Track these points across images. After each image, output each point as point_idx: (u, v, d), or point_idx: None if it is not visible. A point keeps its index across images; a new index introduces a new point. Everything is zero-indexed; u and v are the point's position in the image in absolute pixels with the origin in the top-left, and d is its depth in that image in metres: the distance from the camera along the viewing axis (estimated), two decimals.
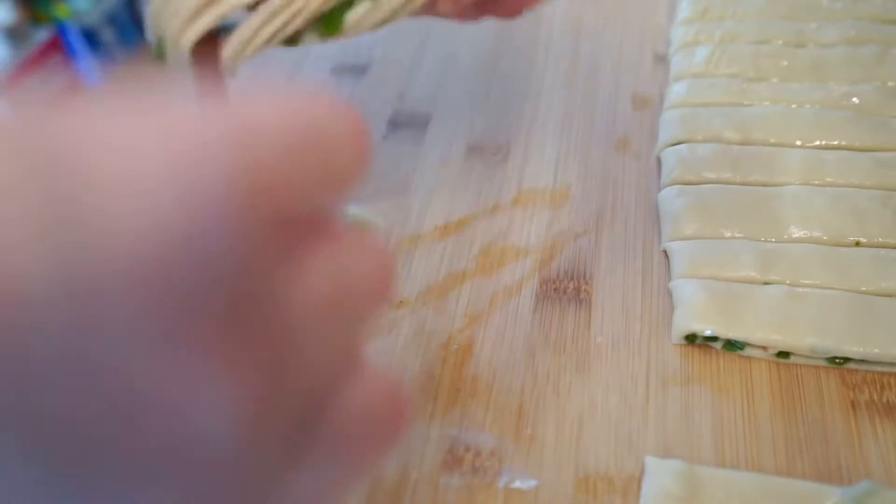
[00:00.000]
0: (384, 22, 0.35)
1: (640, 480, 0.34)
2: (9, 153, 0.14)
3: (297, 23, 0.33)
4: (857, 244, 0.42)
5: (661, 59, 0.59)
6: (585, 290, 0.43)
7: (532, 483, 0.34)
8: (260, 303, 0.15)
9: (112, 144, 0.14)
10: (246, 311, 0.15)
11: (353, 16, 0.34)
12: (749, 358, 0.38)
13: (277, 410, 0.16)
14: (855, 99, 0.50)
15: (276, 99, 0.17)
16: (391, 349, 0.40)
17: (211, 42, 0.33)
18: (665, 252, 0.44)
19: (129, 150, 0.14)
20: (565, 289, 0.43)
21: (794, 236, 0.42)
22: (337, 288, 0.17)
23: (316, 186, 0.17)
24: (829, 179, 0.45)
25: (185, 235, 0.14)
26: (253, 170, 0.15)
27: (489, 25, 0.64)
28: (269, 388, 0.15)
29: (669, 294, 0.41)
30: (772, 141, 0.48)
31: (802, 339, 0.37)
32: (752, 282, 0.40)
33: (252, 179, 0.15)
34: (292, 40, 0.34)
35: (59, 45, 2.20)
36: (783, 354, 0.38)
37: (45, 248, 0.14)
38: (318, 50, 0.63)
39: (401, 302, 0.42)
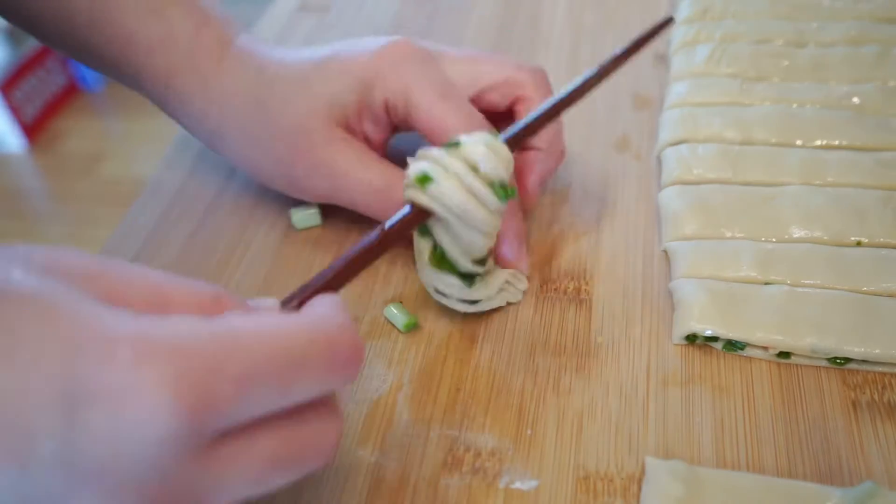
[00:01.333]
0: None
1: (640, 480, 0.34)
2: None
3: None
4: (858, 244, 0.42)
5: (661, 59, 0.59)
6: (585, 290, 0.42)
7: (532, 483, 0.34)
8: None
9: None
10: None
11: None
12: (749, 358, 0.38)
13: None
14: (856, 99, 0.50)
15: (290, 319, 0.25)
16: (391, 349, 0.40)
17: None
18: (665, 252, 0.44)
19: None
20: (565, 289, 0.43)
21: (794, 236, 0.42)
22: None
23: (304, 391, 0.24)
24: (829, 179, 0.45)
25: None
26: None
27: (489, 24, 0.64)
28: None
29: (670, 294, 0.41)
30: (772, 141, 0.48)
31: (803, 339, 0.37)
32: (752, 282, 0.40)
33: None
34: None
35: None
36: (784, 355, 0.38)
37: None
38: None
39: (401, 301, 0.42)
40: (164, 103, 0.46)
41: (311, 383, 0.24)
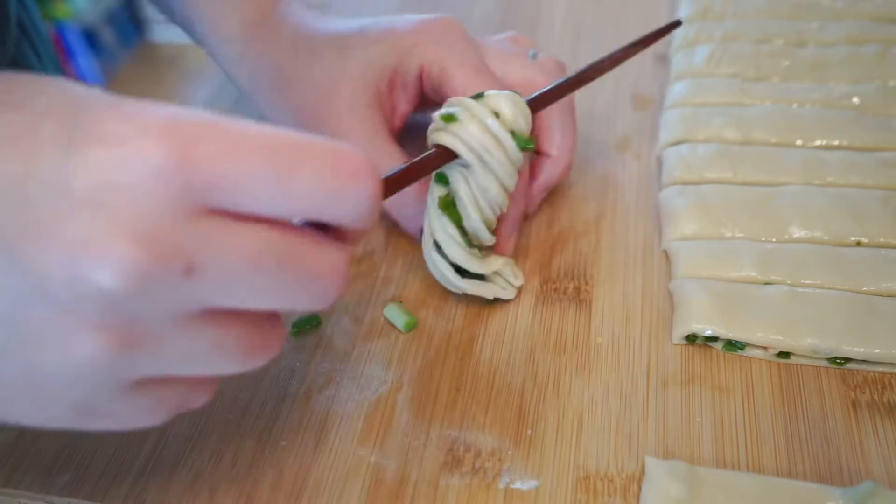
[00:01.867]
0: None
1: (640, 480, 0.34)
2: None
3: None
4: (858, 244, 0.42)
5: (662, 59, 0.59)
6: (585, 290, 0.42)
7: (532, 483, 0.34)
8: None
9: None
10: None
11: None
12: (749, 358, 0.38)
13: None
14: (856, 98, 0.50)
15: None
16: (391, 349, 0.40)
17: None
18: (665, 252, 0.44)
19: None
20: (565, 289, 0.43)
21: (794, 236, 0.42)
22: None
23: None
24: (829, 179, 0.45)
25: None
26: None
27: (489, 24, 0.64)
28: None
29: (670, 294, 0.41)
30: (772, 141, 0.48)
31: (803, 339, 0.37)
32: (752, 282, 0.40)
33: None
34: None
35: (59, 45, 2.20)
36: (784, 354, 0.38)
37: None
38: None
39: (401, 301, 0.42)
40: (192, 28, 0.48)
41: (312, 184, 0.23)
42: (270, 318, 0.27)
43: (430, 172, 0.36)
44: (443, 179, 0.38)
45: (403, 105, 0.45)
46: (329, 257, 0.25)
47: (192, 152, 0.22)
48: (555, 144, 0.45)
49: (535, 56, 0.48)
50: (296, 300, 0.25)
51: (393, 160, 0.42)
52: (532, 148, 0.38)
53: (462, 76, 0.41)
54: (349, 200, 0.24)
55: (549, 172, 0.45)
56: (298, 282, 0.25)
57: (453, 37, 0.42)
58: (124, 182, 0.22)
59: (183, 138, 0.22)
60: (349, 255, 0.26)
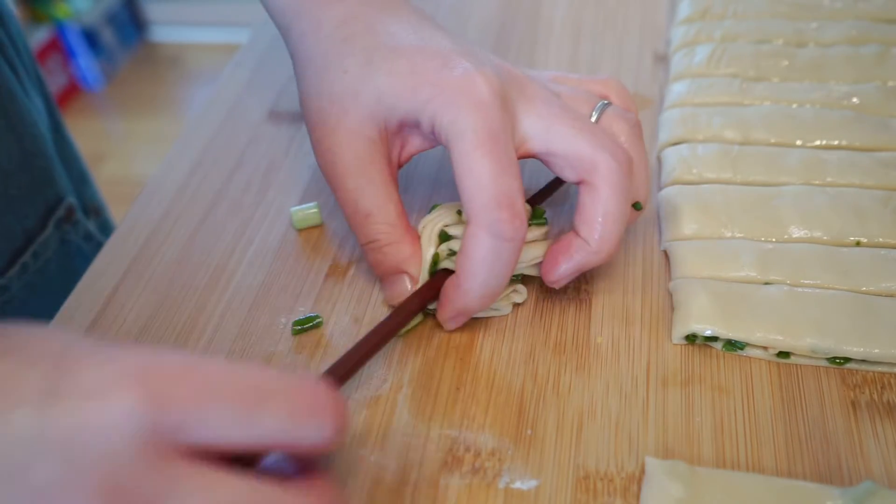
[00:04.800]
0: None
1: (640, 480, 0.34)
2: None
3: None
4: (858, 244, 0.42)
5: (661, 59, 0.59)
6: (585, 290, 0.42)
7: (532, 483, 0.34)
8: None
9: None
10: None
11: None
12: (749, 358, 0.38)
13: None
14: (855, 99, 0.50)
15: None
16: (391, 349, 0.40)
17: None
18: (665, 252, 0.44)
19: None
20: (565, 289, 0.43)
21: (794, 236, 0.42)
22: None
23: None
24: (829, 179, 0.45)
25: None
26: None
27: (490, 24, 0.64)
28: None
29: (669, 294, 0.41)
30: (772, 141, 0.48)
31: (803, 339, 0.37)
32: (752, 282, 0.40)
33: None
34: None
35: (59, 45, 2.20)
36: (783, 354, 0.38)
37: None
38: None
39: None
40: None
41: (274, 423, 0.25)
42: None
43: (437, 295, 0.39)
44: (444, 237, 0.40)
45: (416, 142, 0.41)
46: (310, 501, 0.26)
47: (164, 397, 0.24)
48: (596, 232, 0.37)
49: (603, 108, 0.40)
50: None
51: (378, 199, 0.39)
52: (543, 222, 0.40)
53: (462, 154, 0.35)
54: (310, 434, 0.26)
55: (582, 258, 0.38)
56: None
57: (472, 106, 0.36)
58: (96, 427, 0.23)
59: (156, 384, 0.24)
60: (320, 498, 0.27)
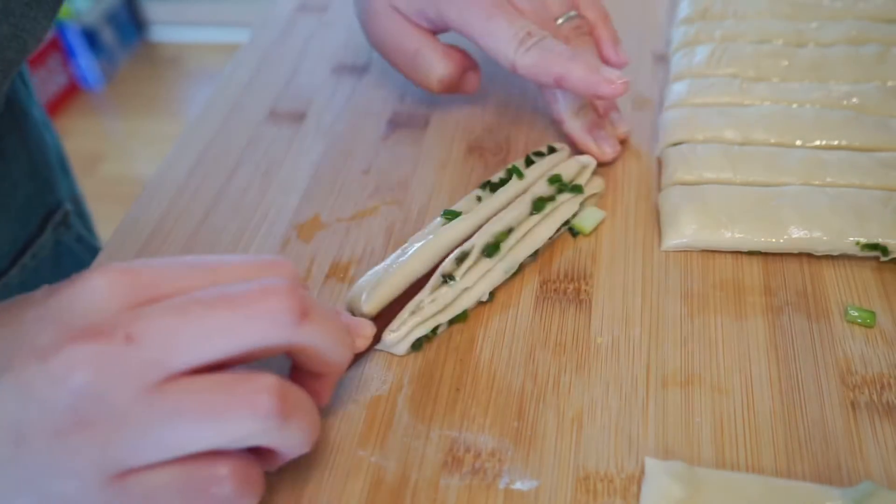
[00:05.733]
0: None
1: (640, 480, 0.34)
2: None
3: (440, 320, 0.40)
4: (858, 244, 0.42)
5: (661, 59, 0.59)
6: (585, 290, 0.42)
7: (532, 483, 0.34)
8: None
9: None
10: None
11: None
12: (749, 358, 0.38)
13: None
14: (855, 99, 0.50)
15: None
16: (391, 349, 0.40)
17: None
18: (665, 252, 0.44)
19: None
20: (565, 289, 0.43)
21: (794, 236, 0.42)
22: None
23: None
24: (829, 179, 0.45)
25: None
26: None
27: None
28: None
29: (669, 294, 0.41)
30: (772, 141, 0.48)
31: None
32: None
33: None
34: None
35: (59, 45, 2.20)
36: None
37: None
38: (318, 49, 0.63)
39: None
40: None
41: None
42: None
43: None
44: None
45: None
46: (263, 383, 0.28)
47: (132, 270, 0.28)
48: (582, 6, 0.50)
49: (569, 19, 0.50)
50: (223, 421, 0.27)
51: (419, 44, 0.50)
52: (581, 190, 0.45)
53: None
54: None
55: (604, 32, 0.51)
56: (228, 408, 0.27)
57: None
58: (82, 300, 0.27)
59: (123, 266, 0.29)
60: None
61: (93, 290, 0.27)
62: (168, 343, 0.26)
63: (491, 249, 0.41)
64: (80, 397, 0.26)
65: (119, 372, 0.26)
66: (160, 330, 0.26)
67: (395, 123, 0.55)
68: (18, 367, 0.26)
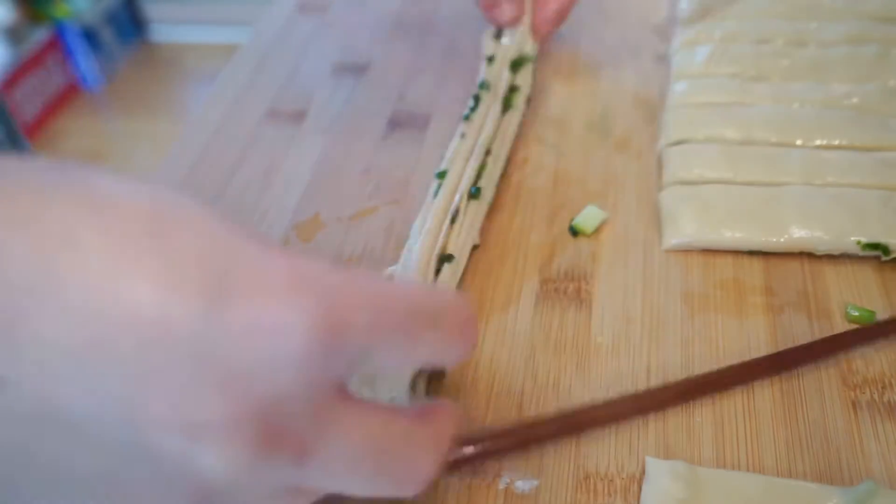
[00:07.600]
0: None
1: (640, 480, 0.34)
2: None
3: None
4: (858, 244, 0.42)
5: (662, 59, 0.59)
6: (585, 290, 0.42)
7: (532, 483, 0.34)
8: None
9: None
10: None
11: None
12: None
13: None
14: (856, 98, 0.50)
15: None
16: None
17: None
18: (665, 252, 0.44)
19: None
20: (565, 289, 0.43)
21: (794, 236, 0.42)
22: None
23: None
24: (829, 179, 0.45)
25: None
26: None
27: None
28: None
29: (670, 294, 0.41)
30: (772, 141, 0.48)
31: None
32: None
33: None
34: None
35: (58, 45, 2.20)
36: None
37: None
38: (318, 49, 0.63)
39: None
40: None
41: (432, 346, 0.24)
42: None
43: None
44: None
45: None
46: (424, 455, 0.25)
47: (340, 328, 0.21)
48: None
49: None
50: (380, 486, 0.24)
51: None
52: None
53: None
54: (455, 352, 0.25)
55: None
56: (390, 475, 0.24)
57: None
58: (264, 360, 0.20)
59: (331, 308, 0.21)
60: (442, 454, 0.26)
61: (282, 342, 0.20)
62: (328, 479, 0.23)
63: (475, 192, 0.45)
64: (208, 488, 0.21)
65: (266, 480, 0.21)
66: (332, 462, 0.22)
67: (395, 123, 0.55)
68: (146, 415, 0.20)
